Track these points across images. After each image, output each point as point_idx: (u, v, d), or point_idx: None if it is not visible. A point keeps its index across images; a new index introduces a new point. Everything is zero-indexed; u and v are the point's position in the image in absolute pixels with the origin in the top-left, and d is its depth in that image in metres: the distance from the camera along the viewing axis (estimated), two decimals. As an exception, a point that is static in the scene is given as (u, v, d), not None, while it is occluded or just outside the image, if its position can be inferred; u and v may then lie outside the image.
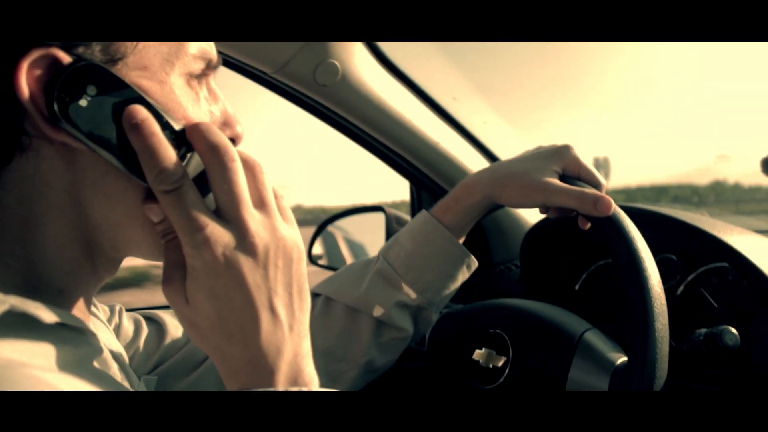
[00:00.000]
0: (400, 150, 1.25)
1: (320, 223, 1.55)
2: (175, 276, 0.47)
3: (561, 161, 0.84)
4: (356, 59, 1.10)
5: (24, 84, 0.43)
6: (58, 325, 0.46)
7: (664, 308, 0.74)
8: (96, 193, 0.48)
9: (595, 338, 0.82)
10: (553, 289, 1.20)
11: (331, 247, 1.56)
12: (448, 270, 0.87)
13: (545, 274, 1.22)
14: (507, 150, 1.35)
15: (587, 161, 0.84)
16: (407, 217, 1.49)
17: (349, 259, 1.57)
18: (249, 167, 0.49)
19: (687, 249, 1.01)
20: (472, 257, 0.88)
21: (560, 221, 1.19)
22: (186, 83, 0.51)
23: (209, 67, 0.53)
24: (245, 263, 0.46)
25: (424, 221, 0.88)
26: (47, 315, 0.44)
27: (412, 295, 0.86)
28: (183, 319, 0.48)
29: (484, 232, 1.37)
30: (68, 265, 0.49)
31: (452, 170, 1.29)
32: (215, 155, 0.47)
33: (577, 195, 0.79)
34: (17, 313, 0.43)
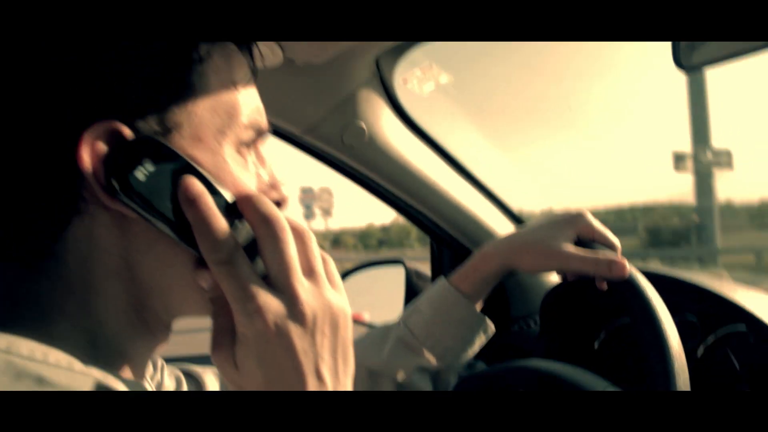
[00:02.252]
0: (423, 208, 1.28)
1: (340, 275, 1.56)
2: (224, 341, 0.49)
3: (575, 227, 0.87)
4: (382, 121, 1.14)
5: (86, 156, 0.45)
6: None
7: (684, 366, 0.75)
8: (148, 259, 0.50)
9: None
10: (572, 347, 1.21)
11: (352, 299, 1.57)
12: (466, 335, 0.91)
13: (565, 332, 1.23)
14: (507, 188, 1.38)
15: (599, 226, 0.88)
16: (427, 270, 1.51)
17: (369, 313, 1.58)
18: (298, 235, 0.51)
19: (706, 312, 1.02)
20: (489, 322, 0.92)
21: (582, 280, 1.21)
22: (236, 151, 0.53)
23: (259, 135, 0.55)
24: (294, 331, 0.48)
25: (444, 289, 0.91)
26: (123, 388, 0.47)
27: (432, 360, 0.89)
28: (231, 383, 0.50)
29: (504, 286, 1.38)
30: (126, 328, 0.51)
31: (473, 228, 1.32)
32: (267, 227, 0.49)
33: (592, 261, 0.83)
34: (99, 385, 0.45)
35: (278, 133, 1.14)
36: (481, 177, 1.31)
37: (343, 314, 0.52)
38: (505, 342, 1.37)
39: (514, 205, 1.39)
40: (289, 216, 0.51)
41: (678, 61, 0.67)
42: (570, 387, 0.86)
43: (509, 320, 1.39)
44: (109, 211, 0.48)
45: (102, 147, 0.46)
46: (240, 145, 0.53)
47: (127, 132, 0.46)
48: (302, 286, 0.49)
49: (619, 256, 0.81)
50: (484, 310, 1.38)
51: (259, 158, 0.57)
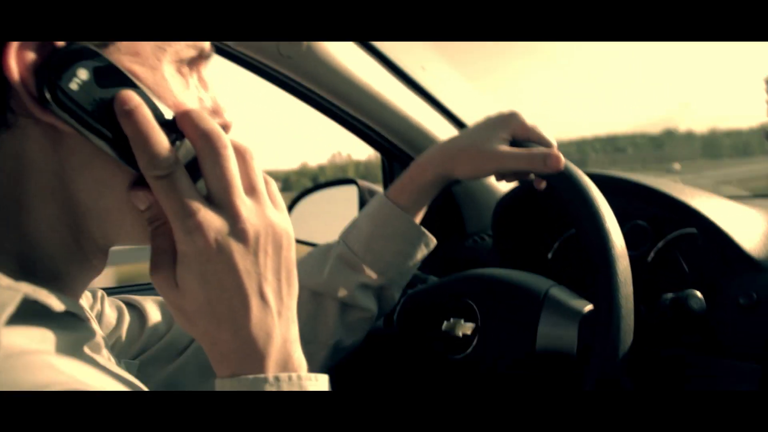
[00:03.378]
0: (369, 121, 1.24)
1: (293, 197, 1.54)
2: (164, 262, 0.48)
3: (508, 127, 0.86)
4: (321, 29, 1.08)
5: (14, 63, 0.42)
6: (64, 312, 0.46)
7: (625, 257, 0.74)
8: (84, 178, 0.48)
9: (560, 292, 0.84)
10: (526, 258, 1.20)
11: (306, 221, 1.55)
12: (406, 249, 0.89)
13: (518, 244, 1.22)
14: (469, 110, 1.35)
15: (536, 124, 0.86)
16: (379, 188, 1.48)
17: (324, 233, 1.56)
18: (239, 153, 0.49)
19: (657, 216, 1.01)
20: (430, 236, 0.91)
21: (529, 189, 1.19)
22: (177, 70, 0.50)
23: (201, 56, 0.53)
24: (236, 249, 0.47)
25: (381, 203, 0.90)
26: (56, 303, 0.45)
27: (374, 276, 0.88)
28: (171, 305, 0.49)
29: (457, 202, 1.36)
30: (60, 250, 0.49)
31: (422, 140, 1.28)
32: (207, 142, 0.47)
33: (526, 156, 0.82)
34: (29, 300, 0.43)
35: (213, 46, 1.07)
36: (427, 87, 1.26)
37: (287, 234, 0.51)
38: (460, 257, 1.36)
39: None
40: (230, 136, 0.50)
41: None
42: (514, 287, 0.86)
43: (464, 236, 1.38)
44: (40, 125, 0.45)
45: (32, 55, 0.43)
46: (180, 63, 0.51)
47: (60, 42, 0.43)
48: (244, 203, 0.48)
49: (554, 151, 0.79)
50: (437, 226, 1.37)
51: (202, 81, 0.55)
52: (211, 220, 0.46)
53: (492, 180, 1.35)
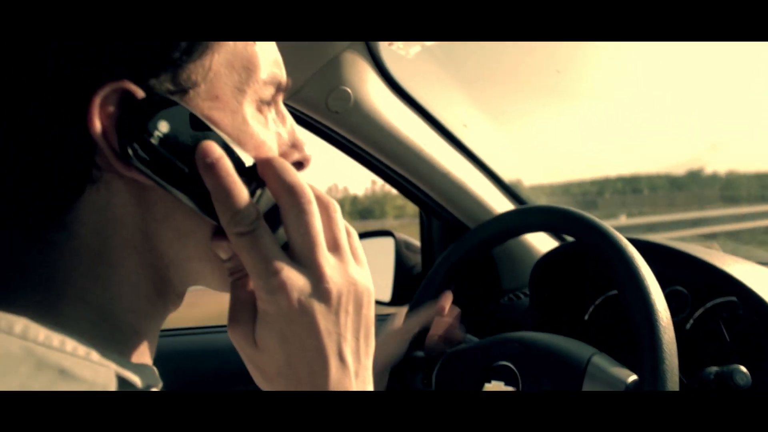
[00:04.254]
0: (411, 177, 1.25)
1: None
2: (243, 317, 0.47)
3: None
4: (368, 86, 1.11)
5: (96, 119, 0.42)
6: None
7: (673, 339, 0.74)
8: (166, 229, 0.47)
9: (603, 361, 0.83)
10: (562, 318, 1.20)
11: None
12: None
13: (554, 304, 1.22)
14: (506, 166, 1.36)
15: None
16: (416, 242, 1.49)
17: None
18: (323, 207, 0.48)
19: (696, 282, 1.01)
20: None
21: (569, 251, 1.20)
22: (257, 109, 0.49)
23: (279, 90, 0.52)
24: (319, 309, 0.46)
25: None
26: (138, 380, 0.44)
27: None
28: (249, 362, 0.48)
29: (494, 259, 1.37)
30: (143, 304, 0.48)
31: (463, 198, 1.30)
32: (291, 197, 0.46)
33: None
34: (117, 376, 0.43)
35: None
36: (469, 144, 1.28)
37: (368, 292, 0.49)
38: (495, 315, 1.36)
39: (507, 177, 1.37)
40: (313, 185, 0.48)
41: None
42: (555, 353, 0.85)
43: (499, 292, 1.38)
44: (123, 179, 0.44)
45: (113, 110, 0.42)
46: (260, 103, 0.49)
47: (139, 92, 0.43)
48: (327, 261, 0.46)
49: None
50: (473, 281, 1.38)
51: (279, 115, 0.53)
52: (295, 279, 0.45)
53: (529, 237, 1.36)
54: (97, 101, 0.41)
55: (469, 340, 1.12)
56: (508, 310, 1.35)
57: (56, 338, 0.41)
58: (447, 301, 0.99)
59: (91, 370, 0.41)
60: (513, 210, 1.00)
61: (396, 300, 1.43)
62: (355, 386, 0.48)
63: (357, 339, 0.49)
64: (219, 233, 0.47)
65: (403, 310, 1.06)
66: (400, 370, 1.00)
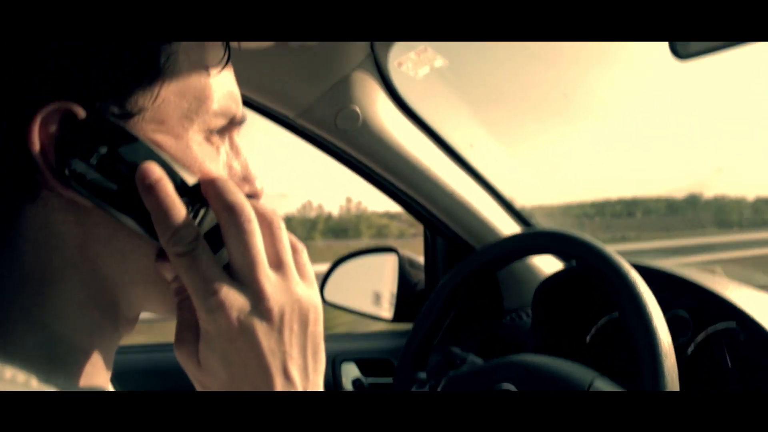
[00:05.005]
0: (417, 196, 1.26)
1: (333, 262, 1.56)
2: (188, 337, 0.47)
3: None
4: (377, 105, 1.12)
5: (36, 138, 0.42)
6: None
7: (674, 363, 0.75)
8: (108, 249, 0.47)
9: (604, 385, 0.83)
10: (564, 340, 1.20)
11: (345, 286, 1.57)
12: None
13: (557, 325, 1.22)
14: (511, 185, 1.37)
15: None
16: (420, 259, 1.50)
17: (361, 299, 1.58)
18: (266, 222, 0.48)
19: (697, 307, 1.02)
20: None
21: (572, 273, 1.21)
22: (205, 139, 0.49)
23: (233, 123, 0.52)
24: (260, 328, 0.45)
25: None
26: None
27: None
28: (195, 382, 0.48)
29: (497, 279, 1.37)
30: (86, 323, 0.48)
31: (468, 217, 1.31)
32: (231, 215, 0.46)
33: None
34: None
35: (272, 116, 1.12)
36: (475, 164, 1.30)
37: (314, 308, 0.49)
38: (498, 334, 1.36)
39: (512, 197, 1.38)
40: (257, 203, 0.48)
41: (675, 50, 0.66)
42: (557, 376, 0.86)
43: (502, 312, 1.39)
44: (62, 198, 0.45)
45: (54, 129, 0.43)
46: (209, 133, 0.49)
47: (82, 114, 0.43)
48: (268, 280, 0.46)
49: None
50: (476, 301, 1.39)
51: (233, 148, 0.53)
52: (234, 298, 0.44)
53: (533, 259, 1.37)
54: (38, 119, 0.42)
55: (471, 361, 1.13)
56: (511, 329, 1.36)
57: None
58: None
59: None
60: (518, 233, 1.01)
61: (398, 317, 1.43)
62: None
63: (304, 356, 0.48)
64: (163, 255, 0.47)
65: None
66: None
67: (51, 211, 0.45)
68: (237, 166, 0.53)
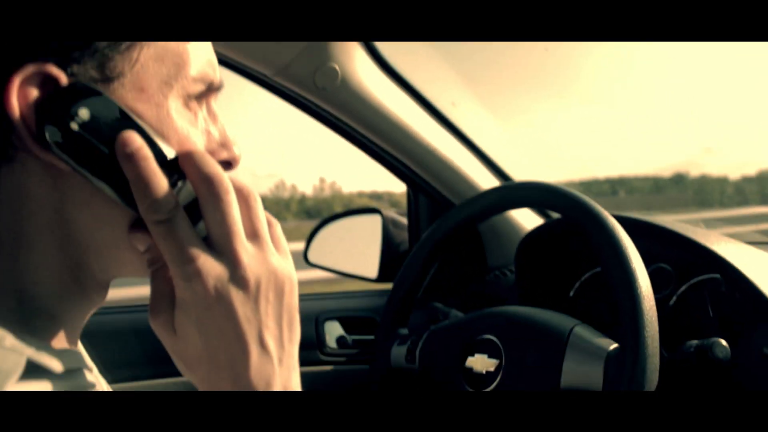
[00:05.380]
0: (398, 154, 1.25)
1: (316, 224, 1.55)
2: (163, 306, 0.47)
3: None
4: (356, 63, 1.11)
5: (15, 100, 0.42)
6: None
7: (654, 315, 0.75)
8: (84, 214, 0.47)
9: (585, 331, 0.84)
10: (547, 295, 1.21)
11: (328, 248, 1.56)
12: None
13: (540, 281, 1.23)
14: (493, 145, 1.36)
15: None
16: (403, 219, 1.50)
17: (345, 260, 1.57)
18: (243, 197, 0.48)
19: (680, 259, 1.02)
20: None
21: (554, 228, 1.20)
22: (184, 105, 0.49)
23: (210, 89, 0.52)
24: (236, 296, 0.46)
25: None
26: (56, 365, 0.44)
27: None
28: (170, 351, 0.48)
29: (480, 236, 1.37)
30: (59, 287, 0.48)
31: (450, 174, 1.30)
32: (209, 186, 0.46)
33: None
34: (32, 363, 0.43)
35: (250, 75, 1.11)
36: (456, 122, 1.29)
37: (289, 280, 0.49)
38: (481, 291, 1.37)
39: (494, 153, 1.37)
40: (234, 176, 0.49)
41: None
42: (538, 325, 0.86)
43: (485, 270, 1.39)
44: (40, 161, 0.44)
45: (34, 92, 0.42)
46: (188, 98, 0.49)
47: (63, 78, 0.43)
48: (245, 249, 0.47)
49: None
50: (459, 258, 1.39)
51: (211, 114, 0.53)
52: (211, 266, 0.45)
53: (515, 215, 1.37)
54: (16, 81, 0.41)
55: (454, 316, 1.13)
56: (494, 287, 1.36)
57: None
58: None
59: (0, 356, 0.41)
60: (498, 186, 1.01)
61: (382, 277, 1.43)
62: (278, 373, 0.49)
63: (279, 326, 0.49)
64: (136, 225, 0.47)
65: None
66: (385, 347, 1.01)
67: (28, 174, 0.45)
68: (215, 132, 0.53)
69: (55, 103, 0.42)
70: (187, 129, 0.49)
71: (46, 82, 0.43)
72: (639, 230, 0.96)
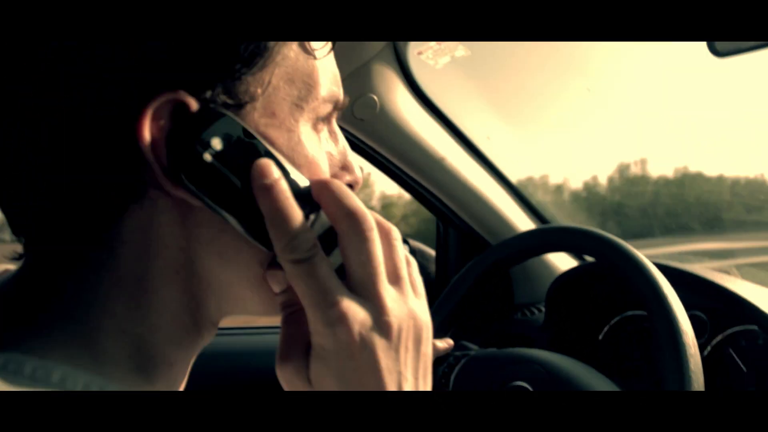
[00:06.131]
0: (431, 187, 1.25)
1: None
2: (296, 353, 0.43)
3: None
4: (395, 95, 1.11)
5: (147, 132, 0.38)
6: None
7: (699, 364, 0.74)
8: (210, 252, 0.43)
9: None
10: (576, 337, 1.19)
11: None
12: None
13: (570, 322, 1.21)
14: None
15: None
16: (431, 251, 1.49)
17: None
18: (384, 234, 0.44)
19: (716, 308, 1.00)
20: None
21: (588, 270, 1.19)
22: (312, 128, 0.46)
23: (335, 108, 0.48)
24: (380, 345, 0.42)
25: None
26: None
27: None
28: None
29: (509, 274, 1.36)
30: (179, 334, 0.44)
31: (482, 211, 1.29)
32: (351, 224, 0.42)
33: None
34: None
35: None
36: (491, 157, 1.28)
37: (426, 327, 0.46)
38: (508, 330, 1.35)
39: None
40: (372, 212, 0.44)
41: (713, 48, 0.65)
42: (576, 387, 0.84)
43: (512, 307, 1.37)
44: (170, 198, 0.41)
45: (165, 122, 0.39)
46: (317, 120, 0.46)
47: (194, 105, 0.39)
48: (389, 294, 0.43)
49: None
50: (486, 295, 1.37)
51: (332, 134, 0.49)
52: (356, 311, 0.41)
53: (548, 254, 1.36)
54: (149, 112, 0.38)
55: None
56: (522, 325, 1.34)
57: (95, 388, 0.39)
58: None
59: None
60: (537, 229, 1.00)
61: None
62: None
63: (416, 378, 0.45)
64: (274, 263, 0.43)
65: None
66: None
67: (157, 212, 0.41)
68: (335, 153, 0.49)
69: (187, 132, 0.39)
70: (317, 154, 0.45)
71: (177, 112, 0.39)
72: (673, 277, 0.95)
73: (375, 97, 1.08)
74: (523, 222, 1.33)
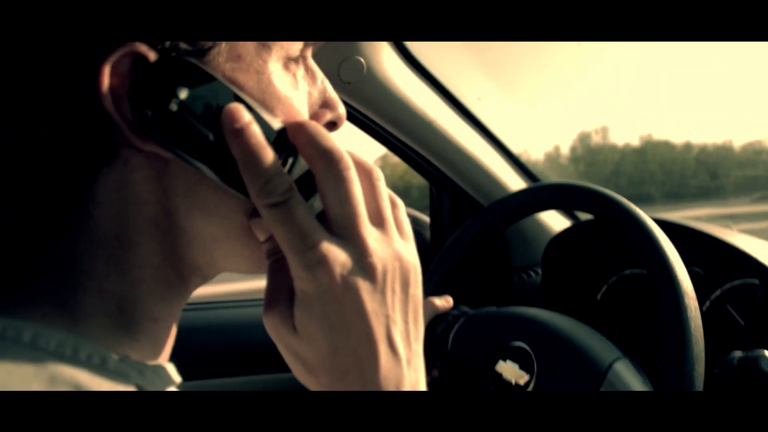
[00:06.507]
0: (423, 151, 1.23)
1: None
2: (280, 301, 0.42)
3: None
4: (382, 57, 1.08)
5: (107, 89, 0.37)
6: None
7: (698, 315, 0.72)
8: (189, 205, 0.42)
9: (624, 369, 0.80)
10: (574, 298, 1.18)
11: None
12: None
13: (567, 283, 1.20)
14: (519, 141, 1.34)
15: None
16: (425, 217, 1.47)
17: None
18: (365, 174, 0.43)
19: (714, 263, 0.99)
20: None
21: (582, 229, 1.18)
22: (283, 67, 0.44)
23: (307, 45, 0.46)
24: (364, 287, 0.41)
25: None
26: (152, 386, 0.42)
27: None
28: (288, 352, 0.43)
29: (505, 236, 1.35)
30: (162, 288, 0.44)
31: (475, 173, 1.27)
32: (327, 163, 0.41)
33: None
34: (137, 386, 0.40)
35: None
36: (482, 119, 1.26)
37: (414, 268, 0.44)
38: (507, 293, 1.34)
39: (519, 147, 1.34)
40: (352, 151, 0.43)
41: None
42: (577, 348, 0.83)
43: (510, 270, 1.36)
44: (143, 154, 0.40)
45: (125, 76, 0.38)
46: (288, 59, 0.44)
47: (152, 56, 0.38)
48: (371, 234, 0.42)
49: None
50: (482, 258, 1.36)
51: (309, 72, 0.47)
52: (336, 253, 0.40)
53: (542, 215, 1.34)
54: (106, 69, 0.37)
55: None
56: (519, 288, 1.33)
57: (69, 346, 0.38)
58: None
59: (108, 383, 0.38)
60: (533, 186, 0.98)
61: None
62: (407, 376, 0.43)
63: (406, 322, 0.44)
64: (257, 211, 0.42)
65: None
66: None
67: (131, 170, 0.40)
68: (314, 92, 0.47)
69: (149, 85, 0.38)
70: (291, 95, 0.44)
71: (137, 64, 0.38)
72: (672, 232, 0.93)
73: (361, 59, 1.05)
74: (516, 182, 1.32)
